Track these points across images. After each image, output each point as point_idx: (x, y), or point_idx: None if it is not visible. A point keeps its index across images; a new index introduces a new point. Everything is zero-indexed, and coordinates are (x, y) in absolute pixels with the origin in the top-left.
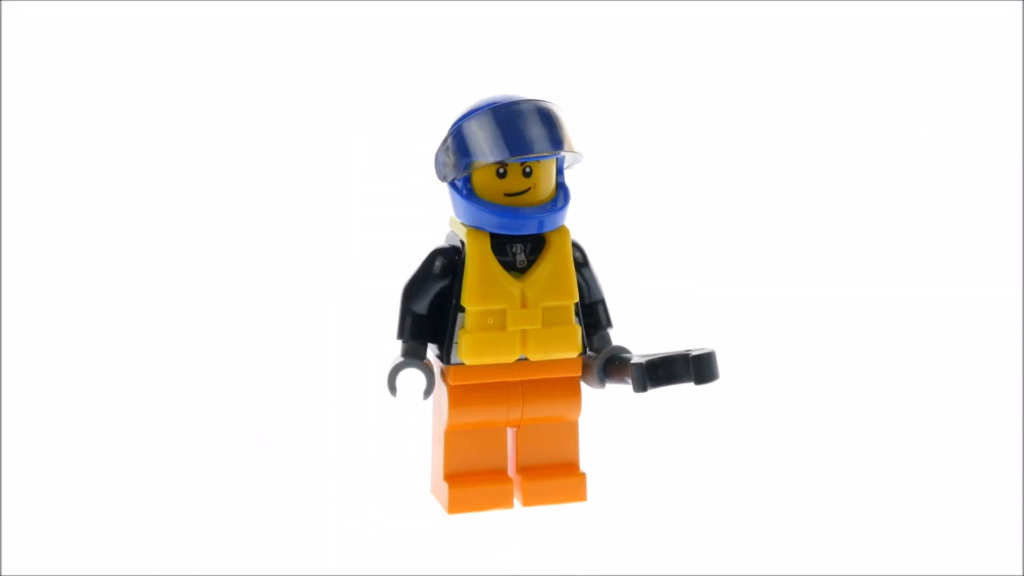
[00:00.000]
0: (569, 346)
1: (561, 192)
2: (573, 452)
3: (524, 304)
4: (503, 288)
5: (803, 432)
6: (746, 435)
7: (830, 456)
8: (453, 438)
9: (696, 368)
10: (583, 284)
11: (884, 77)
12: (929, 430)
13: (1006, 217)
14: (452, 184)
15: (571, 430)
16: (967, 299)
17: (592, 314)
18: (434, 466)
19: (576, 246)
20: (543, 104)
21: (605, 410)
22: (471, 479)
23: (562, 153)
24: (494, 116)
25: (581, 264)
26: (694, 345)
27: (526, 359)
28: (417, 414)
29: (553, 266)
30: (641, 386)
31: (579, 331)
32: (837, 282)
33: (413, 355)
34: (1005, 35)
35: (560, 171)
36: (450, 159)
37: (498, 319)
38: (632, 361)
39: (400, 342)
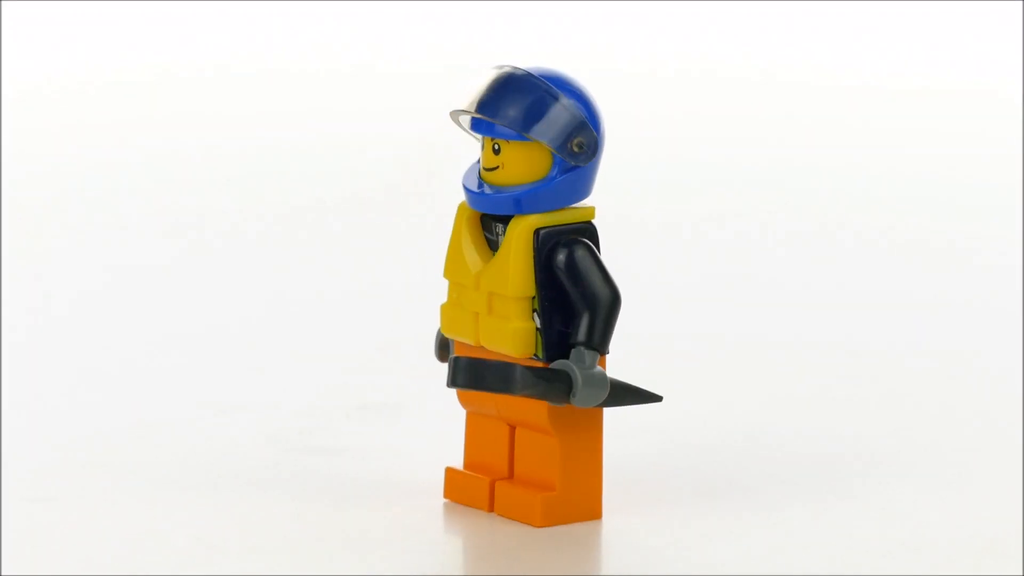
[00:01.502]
0: (509, 345)
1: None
2: (551, 469)
3: (477, 286)
4: (463, 264)
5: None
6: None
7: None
8: (469, 423)
9: (451, 370)
10: (570, 289)
11: (884, 80)
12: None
13: (1006, 221)
14: None
15: (550, 443)
16: (968, 307)
17: (572, 325)
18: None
19: (580, 244)
20: (520, 73)
21: (650, 438)
22: (474, 469)
23: (488, 119)
24: (481, 74)
25: (567, 264)
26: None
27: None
28: None
29: (503, 254)
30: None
31: (525, 332)
32: (837, 289)
33: None
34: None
35: (558, 162)
36: None
37: (458, 295)
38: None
39: None
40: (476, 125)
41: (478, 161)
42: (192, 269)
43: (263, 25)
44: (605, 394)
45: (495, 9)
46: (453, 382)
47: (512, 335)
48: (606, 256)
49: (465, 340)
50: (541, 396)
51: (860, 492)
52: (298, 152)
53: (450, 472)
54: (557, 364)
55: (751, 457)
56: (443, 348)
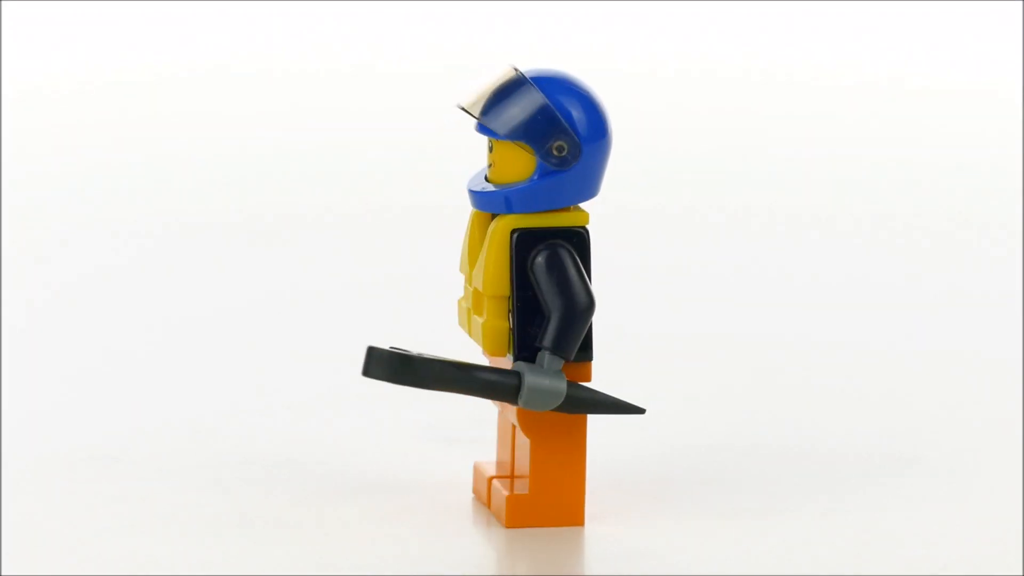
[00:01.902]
0: (482, 341)
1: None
2: (527, 469)
3: (469, 281)
4: (465, 261)
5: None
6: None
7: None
8: (498, 419)
9: (365, 360)
10: (541, 291)
11: (883, 81)
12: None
13: (1006, 221)
14: None
15: (525, 442)
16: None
17: (542, 327)
18: None
19: (559, 248)
20: (513, 74)
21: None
22: (498, 465)
23: (474, 118)
24: (483, 72)
25: (543, 267)
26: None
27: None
28: None
29: (486, 252)
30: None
31: (497, 331)
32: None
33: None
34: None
35: (540, 165)
36: None
37: (464, 290)
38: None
39: None
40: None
41: None
42: (192, 269)
43: (263, 25)
44: (557, 401)
45: (495, 9)
46: (365, 371)
47: (484, 332)
48: (604, 257)
49: (468, 334)
50: (483, 395)
51: (857, 494)
52: (301, 153)
53: (475, 467)
54: (516, 365)
55: (746, 459)
56: None
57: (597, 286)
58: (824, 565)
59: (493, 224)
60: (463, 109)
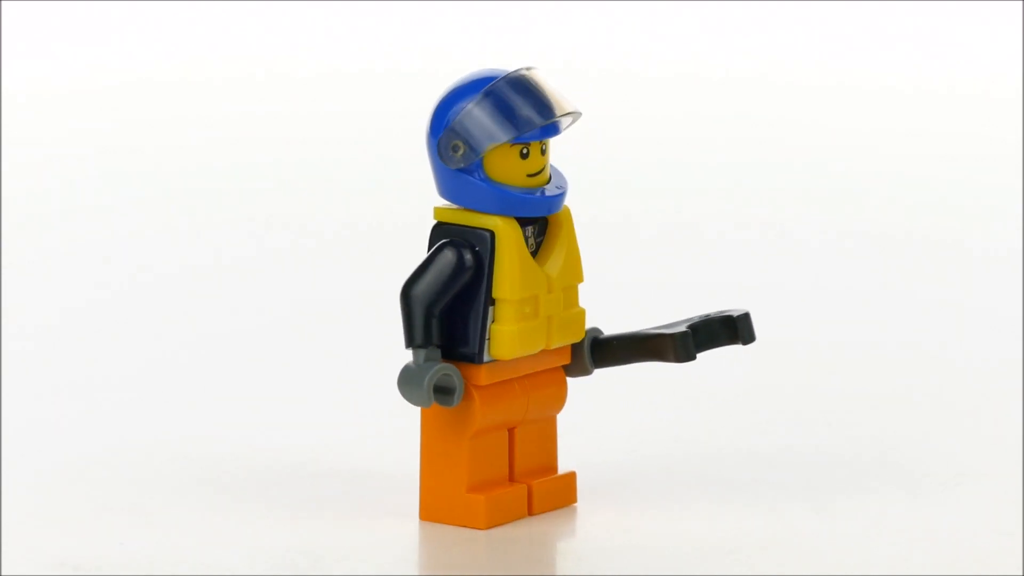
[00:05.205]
0: (580, 331)
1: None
2: (553, 452)
3: (551, 288)
4: (537, 273)
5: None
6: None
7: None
8: (475, 444)
9: (740, 328)
10: None
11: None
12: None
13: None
14: (463, 172)
15: (552, 427)
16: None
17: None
18: (435, 486)
19: None
20: (536, 70)
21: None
22: (494, 488)
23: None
24: (509, 87)
25: None
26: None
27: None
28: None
29: (568, 245)
30: (687, 355)
31: (585, 314)
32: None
33: (435, 360)
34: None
35: None
36: (460, 143)
37: (532, 307)
38: (666, 333)
39: (418, 350)
40: (548, 129)
41: (485, 177)
42: (193, 278)
43: (262, 26)
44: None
45: (492, 9)
46: (744, 338)
47: (581, 320)
48: (600, 255)
49: (532, 351)
50: None
51: (852, 493)
52: (310, 160)
53: (487, 498)
54: (599, 331)
55: (741, 459)
56: (443, 392)
57: (591, 282)
58: (820, 565)
59: (564, 219)
60: (573, 112)
